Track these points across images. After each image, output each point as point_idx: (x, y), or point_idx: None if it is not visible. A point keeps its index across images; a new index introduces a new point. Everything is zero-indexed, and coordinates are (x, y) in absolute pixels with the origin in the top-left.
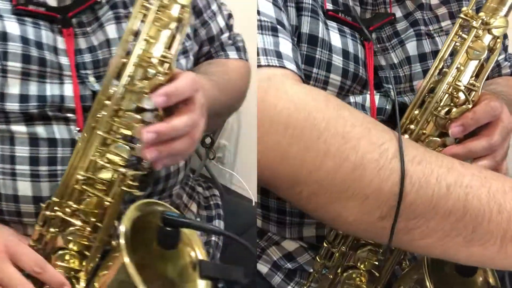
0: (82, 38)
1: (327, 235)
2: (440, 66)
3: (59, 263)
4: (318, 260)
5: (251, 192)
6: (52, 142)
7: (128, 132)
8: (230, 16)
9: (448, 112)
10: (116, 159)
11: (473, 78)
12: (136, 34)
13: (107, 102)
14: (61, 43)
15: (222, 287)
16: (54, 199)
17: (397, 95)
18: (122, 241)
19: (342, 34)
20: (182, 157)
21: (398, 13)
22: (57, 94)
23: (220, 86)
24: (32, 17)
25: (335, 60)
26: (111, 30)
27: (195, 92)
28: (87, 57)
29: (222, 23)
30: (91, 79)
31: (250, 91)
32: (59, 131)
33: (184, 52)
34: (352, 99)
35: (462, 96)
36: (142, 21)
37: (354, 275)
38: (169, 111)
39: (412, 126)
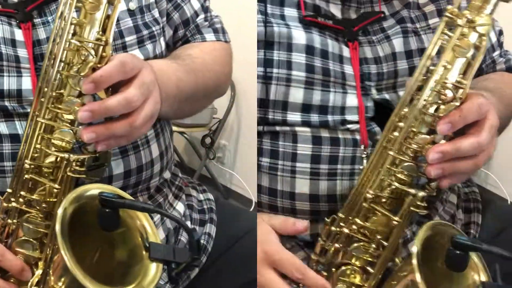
0: (40, 28)
1: (321, 232)
2: (428, 64)
3: (18, 250)
4: (313, 257)
5: (251, 192)
6: (14, 138)
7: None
8: None
9: (436, 110)
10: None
11: (461, 76)
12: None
13: (400, 124)
14: (19, 35)
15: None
16: (9, 190)
17: (379, 92)
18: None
19: (322, 35)
20: (127, 140)
21: (386, 12)
22: (14, 88)
23: (188, 68)
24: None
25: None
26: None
27: (129, 73)
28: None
29: (196, 5)
30: None
31: (251, 91)
32: (21, 126)
33: (151, 37)
34: (332, 96)
35: (450, 93)
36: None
37: (348, 272)
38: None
39: (401, 124)
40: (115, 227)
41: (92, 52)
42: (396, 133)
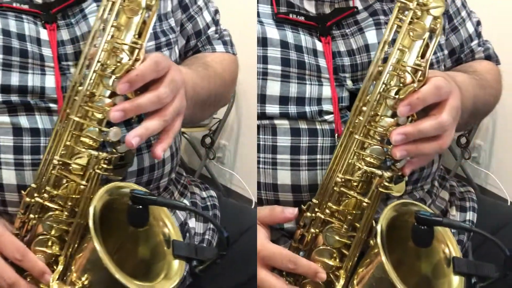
0: (64, 30)
1: (300, 219)
2: (386, 49)
3: (38, 248)
4: (293, 244)
5: (251, 192)
6: (35, 132)
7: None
8: (216, 11)
9: (397, 93)
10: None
11: (419, 59)
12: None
13: (364, 108)
14: (44, 35)
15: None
16: (33, 185)
17: (354, 82)
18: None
19: (294, 29)
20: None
21: (359, 6)
22: (38, 85)
23: (202, 74)
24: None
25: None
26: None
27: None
28: (69, 49)
29: (208, 18)
30: (72, 70)
31: (251, 91)
32: (41, 121)
33: (168, 44)
34: (308, 88)
35: (409, 77)
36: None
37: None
38: None
39: (364, 108)
40: (143, 224)
41: (128, 54)
42: (360, 117)
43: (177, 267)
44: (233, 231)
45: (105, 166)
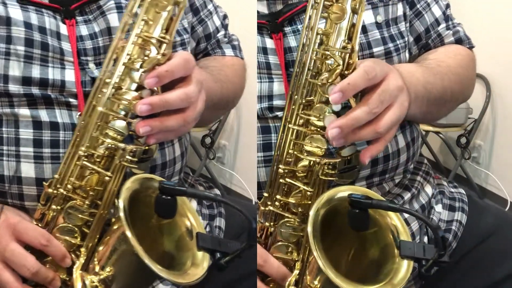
0: (83, 26)
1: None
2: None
3: (59, 235)
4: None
5: (251, 192)
6: (54, 126)
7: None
8: (225, 16)
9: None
10: None
11: (346, 41)
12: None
13: (108, 80)
14: (63, 29)
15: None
16: (56, 176)
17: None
18: (121, 214)
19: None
20: (175, 134)
21: None
22: (58, 79)
23: (215, 77)
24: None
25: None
26: (112, 19)
27: (189, 71)
28: (88, 44)
29: (218, 22)
30: (91, 65)
31: (250, 91)
32: (60, 115)
33: (182, 44)
34: (258, 86)
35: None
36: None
37: (284, 249)
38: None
39: (296, 96)
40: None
41: (156, 48)
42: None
43: (202, 257)
44: (236, 228)
45: (130, 158)
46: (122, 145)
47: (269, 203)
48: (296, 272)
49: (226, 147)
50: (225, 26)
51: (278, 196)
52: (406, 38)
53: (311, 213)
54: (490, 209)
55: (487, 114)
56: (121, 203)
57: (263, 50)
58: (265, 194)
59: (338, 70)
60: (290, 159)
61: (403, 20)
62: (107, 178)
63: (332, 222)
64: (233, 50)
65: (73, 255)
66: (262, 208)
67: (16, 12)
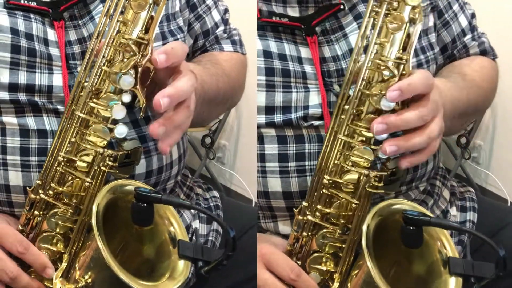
0: (72, 30)
1: (293, 223)
2: (364, 44)
3: (42, 245)
4: (288, 248)
5: (251, 192)
6: (42, 134)
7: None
8: (226, 11)
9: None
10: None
11: (400, 51)
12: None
13: (346, 106)
14: (51, 35)
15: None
16: (38, 181)
17: (341, 87)
18: (93, 221)
19: (277, 38)
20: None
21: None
22: (45, 84)
23: (210, 71)
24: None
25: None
26: None
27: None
28: (76, 49)
29: (217, 17)
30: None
31: (250, 91)
32: (49, 122)
33: None
34: (294, 96)
35: (388, 72)
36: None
37: (319, 260)
38: None
39: (346, 106)
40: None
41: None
42: (343, 116)
43: (183, 267)
44: (235, 230)
45: (110, 163)
46: (100, 149)
47: (307, 212)
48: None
49: (226, 147)
50: (225, 21)
51: (319, 206)
52: (435, 50)
53: (364, 226)
54: (495, 205)
55: (487, 114)
56: (94, 209)
57: (298, 59)
58: (305, 204)
59: (393, 82)
60: (333, 170)
61: (433, 31)
62: (87, 183)
63: (379, 236)
64: (232, 46)
65: (58, 263)
66: (300, 217)
67: (2, 19)
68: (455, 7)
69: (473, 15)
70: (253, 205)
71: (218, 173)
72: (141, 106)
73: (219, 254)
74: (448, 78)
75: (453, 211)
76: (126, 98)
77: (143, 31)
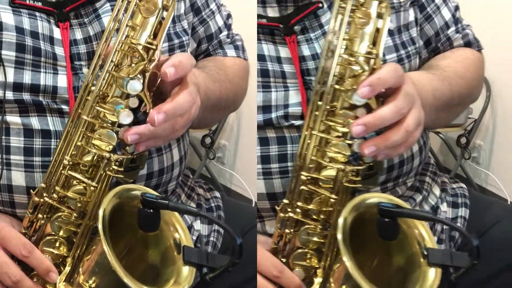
0: (77, 29)
1: (276, 221)
2: (333, 40)
3: (46, 248)
4: (272, 246)
5: (251, 192)
6: (46, 134)
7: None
8: (229, 16)
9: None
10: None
11: (371, 46)
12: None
13: (319, 103)
14: (57, 33)
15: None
16: (42, 185)
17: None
18: (99, 226)
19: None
20: (163, 141)
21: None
22: (50, 84)
23: (214, 78)
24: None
25: None
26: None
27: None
28: (82, 49)
29: (220, 22)
30: (85, 70)
31: (250, 91)
32: (52, 122)
33: (181, 46)
34: (274, 95)
35: (358, 67)
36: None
37: (303, 256)
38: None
39: (320, 103)
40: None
41: (142, 54)
42: (317, 113)
43: (187, 273)
44: (235, 231)
45: (116, 168)
46: (107, 154)
47: (289, 209)
48: (320, 280)
49: (226, 147)
50: (228, 26)
51: (299, 203)
52: (417, 44)
53: (340, 220)
54: (490, 201)
55: (487, 114)
56: (100, 213)
57: (277, 59)
58: (285, 201)
59: (363, 76)
60: (312, 166)
61: (415, 26)
62: (92, 188)
63: (357, 230)
64: (235, 51)
65: (61, 267)
66: (282, 214)
67: (7, 17)
68: (437, 0)
69: (456, 8)
70: (253, 205)
71: (218, 173)
72: (147, 111)
73: (223, 260)
74: (429, 70)
75: (444, 207)
76: (133, 102)
77: (152, 36)
